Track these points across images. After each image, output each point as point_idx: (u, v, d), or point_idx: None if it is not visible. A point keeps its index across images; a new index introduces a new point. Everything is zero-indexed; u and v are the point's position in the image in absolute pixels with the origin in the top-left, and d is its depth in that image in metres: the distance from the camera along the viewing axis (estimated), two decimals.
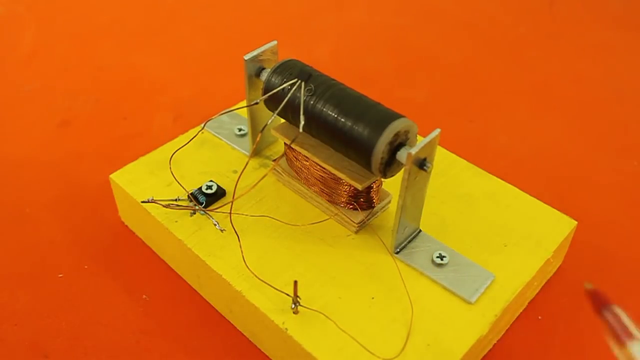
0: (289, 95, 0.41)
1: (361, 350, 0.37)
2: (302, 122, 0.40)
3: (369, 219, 0.44)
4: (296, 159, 0.45)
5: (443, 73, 0.72)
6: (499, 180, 0.49)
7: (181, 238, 0.44)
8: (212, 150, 0.51)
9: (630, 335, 0.28)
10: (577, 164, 0.59)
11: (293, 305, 0.39)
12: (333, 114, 0.40)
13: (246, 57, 0.44)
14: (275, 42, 0.45)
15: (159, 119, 0.64)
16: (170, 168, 0.47)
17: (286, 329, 0.38)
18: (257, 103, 0.44)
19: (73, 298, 0.46)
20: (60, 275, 0.47)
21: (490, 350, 0.43)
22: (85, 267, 0.48)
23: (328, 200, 0.45)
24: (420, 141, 0.37)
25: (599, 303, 0.30)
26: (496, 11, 0.85)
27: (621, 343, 0.28)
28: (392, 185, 0.46)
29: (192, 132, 0.52)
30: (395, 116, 0.39)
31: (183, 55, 0.74)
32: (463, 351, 0.37)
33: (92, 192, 0.54)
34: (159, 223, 0.45)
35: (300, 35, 0.79)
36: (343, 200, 0.44)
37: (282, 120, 0.46)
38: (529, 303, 0.46)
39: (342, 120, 0.39)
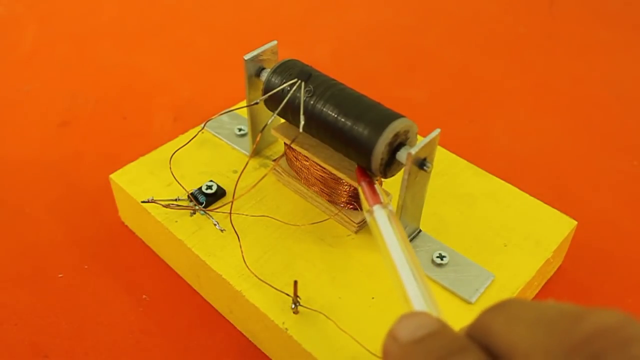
0: (289, 95, 0.41)
1: (361, 350, 0.37)
2: (302, 122, 0.40)
3: None
4: (296, 159, 0.45)
5: (443, 73, 0.72)
6: (499, 180, 0.49)
7: (181, 238, 0.44)
8: (212, 150, 0.51)
9: (377, 201, 0.36)
10: (577, 164, 0.59)
11: (293, 305, 0.39)
12: (333, 114, 0.40)
13: (246, 57, 0.44)
14: (275, 42, 0.45)
15: (159, 119, 0.63)
16: (170, 168, 0.47)
17: (286, 329, 0.38)
18: (257, 103, 0.44)
19: (73, 298, 0.46)
20: (60, 275, 0.47)
21: None
22: (85, 267, 0.48)
23: (328, 200, 0.45)
24: (420, 141, 0.37)
25: (360, 178, 0.39)
26: (496, 11, 0.85)
27: (369, 205, 0.36)
28: (392, 185, 0.46)
29: (192, 132, 0.52)
30: (395, 116, 0.39)
31: (183, 55, 0.74)
32: None
33: (92, 192, 0.54)
34: (159, 223, 0.45)
35: (300, 35, 0.79)
36: (343, 200, 0.44)
37: (282, 120, 0.46)
38: None
39: (342, 120, 0.39)
